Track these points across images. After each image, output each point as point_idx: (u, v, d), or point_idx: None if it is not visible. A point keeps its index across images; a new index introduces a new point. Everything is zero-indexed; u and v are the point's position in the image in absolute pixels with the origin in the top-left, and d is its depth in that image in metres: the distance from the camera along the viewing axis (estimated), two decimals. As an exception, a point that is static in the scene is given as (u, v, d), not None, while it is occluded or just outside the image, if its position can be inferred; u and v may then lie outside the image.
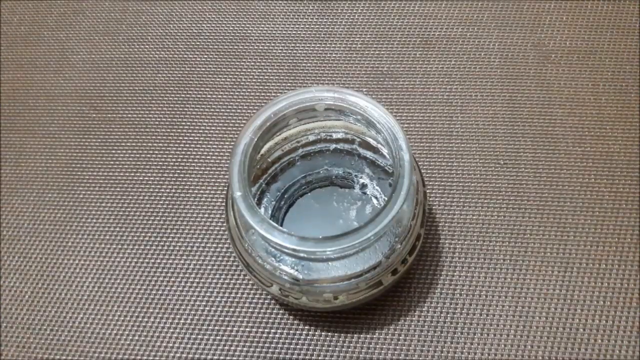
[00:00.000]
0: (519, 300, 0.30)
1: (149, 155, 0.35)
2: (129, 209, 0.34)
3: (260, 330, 0.30)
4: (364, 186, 0.30)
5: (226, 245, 0.32)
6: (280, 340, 0.30)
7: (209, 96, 0.37)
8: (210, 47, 0.38)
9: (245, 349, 0.30)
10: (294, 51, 0.38)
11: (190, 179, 0.34)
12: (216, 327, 0.30)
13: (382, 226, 0.23)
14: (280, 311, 0.30)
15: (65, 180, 0.35)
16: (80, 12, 0.41)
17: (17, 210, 0.34)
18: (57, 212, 0.34)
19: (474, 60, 0.36)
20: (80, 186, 0.35)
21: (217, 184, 0.34)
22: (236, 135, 0.35)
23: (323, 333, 0.30)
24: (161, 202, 0.34)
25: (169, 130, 0.36)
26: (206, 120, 0.36)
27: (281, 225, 0.28)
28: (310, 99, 0.26)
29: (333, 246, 0.23)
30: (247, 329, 0.30)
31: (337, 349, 0.29)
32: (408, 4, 0.39)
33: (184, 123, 0.36)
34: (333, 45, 0.38)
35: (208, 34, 0.39)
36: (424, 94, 0.36)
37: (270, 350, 0.30)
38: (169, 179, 0.34)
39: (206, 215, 0.33)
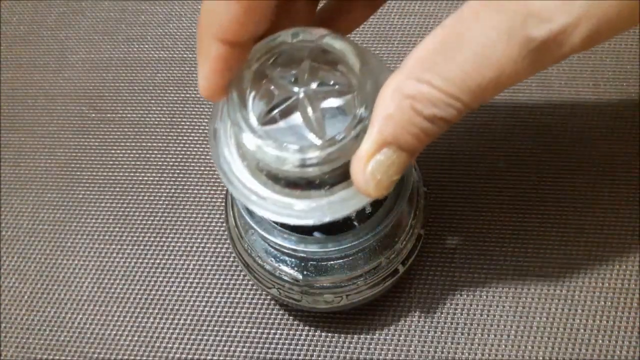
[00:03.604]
0: (519, 301, 0.30)
1: (148, 155, 0.35)
2: (128, 209, 0.34)
3: (260, 330, 0.30)
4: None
5: (226, 246, 0.32)
6: (280, 341, 0.30)
7: (208, 96, 0.37)
8: (210, 46, 0.38)
9: (245, 349, 0.30)
10: (294, 51, 0.38)
11: (190, 179, 0.34)
12: (216, 328, 0.30)
13: (382, 226, 0.23)
14: (280, 312, 0.30)
15: (64, 180, 0.35)
16: (80, 11, 0.40)
17: (16, 210, 0.34)
18: (56, 212, 0.34)
19: (474, 60, 0.36)
20: (80, 186, 0.34)
21: (216, 184, 0.34)
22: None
23: (323, 333, 0.30)
24: (161, 203, 0.34)
25: (168, 130, 0.36)
26: (206, 120, 0.36)
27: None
28: None
29: (333, 246, 0.23)
30: (247, 330, 0.30)
31: (337, 349, 0.29)
32: (408, 4, 0.39)
33: (183, 123, 0.36)
34: (333, 45, 0.38)
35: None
36: (424, 94, 0.35)
37: (270, 350, 0.30)
38: (168, 179, 0.34)
39: (206, 216, 0.33)
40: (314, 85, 0.20)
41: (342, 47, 0.20)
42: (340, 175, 0.20)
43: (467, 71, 0.16)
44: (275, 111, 0.20)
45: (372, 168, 0.18)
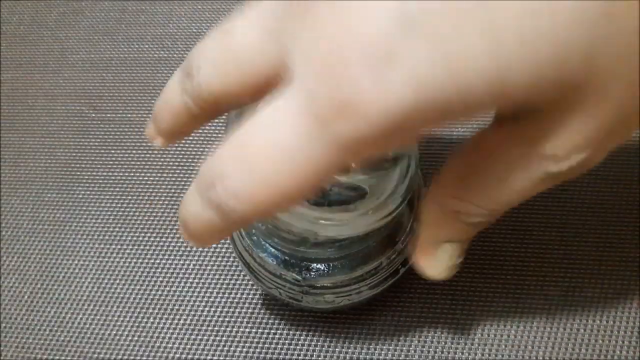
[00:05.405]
0: (519, 301, 0.30)
1: (148, 155, 0.35)
2: (128, 209, 0.34)
3: (260, 330, 0.30)
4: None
5: (226, 246, 0.32)
6: (280, 341, 0.30)
7: (208, 96, 0.37)
8: (210, 46, 0.38)
9: (245, 349, 0.30)
10: (294, 51, 0.38)
11: (190, 179, 0.34)
12: (216, 328, 0.30)
13: (382, 227, 0.23)
14: (280, 312, 0.30)
15: (64, 180, 0.35)
16: (80, 11, 0.40)
17: (16, 210, 0.34)
18: (56, 212, 0.34)
19: (474, 60, 0.36)
20: (80, 186, 0.34)
21: (216, 184, 0.34)
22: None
23: (323, 333, 0.30)
24: (161, 203, 0.34)
25: (168, 130, 0.36)
26: (206, 120, 0.36)
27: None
28: None
29: (334, 247, 0.23)
30: (247, 330, 0.30)
31: (337, 349, 0.29)
32: (408, 4, 0.39)
33: (183, 123, 0.36)
34: (333, 45, 0.38)
35: (207, 33, 0.39)
36: (424, 94, 0.35)
37: (270, 350, 0.30)
38: (168, 179, 0.34)
39: (206, 216, 0.33)
40: None
41: None
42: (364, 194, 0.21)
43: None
44: None
45: (433, 262, 0.21)
